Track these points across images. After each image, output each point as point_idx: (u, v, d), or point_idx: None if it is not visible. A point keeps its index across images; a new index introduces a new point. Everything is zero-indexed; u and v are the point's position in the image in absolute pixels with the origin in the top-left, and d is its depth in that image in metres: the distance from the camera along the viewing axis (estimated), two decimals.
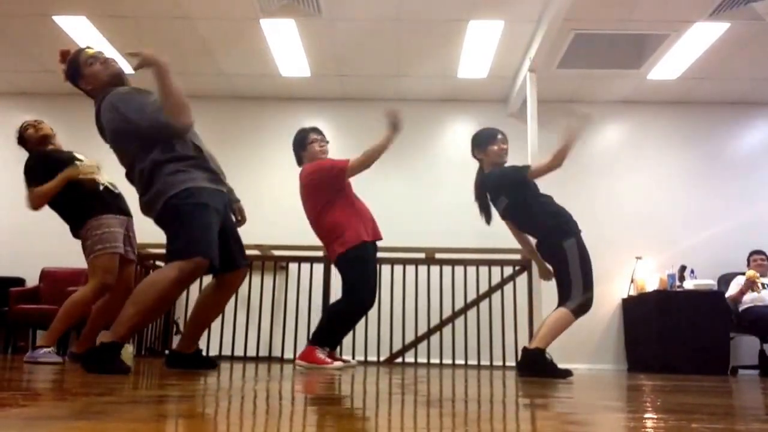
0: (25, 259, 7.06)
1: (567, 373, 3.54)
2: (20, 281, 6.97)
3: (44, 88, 7.51)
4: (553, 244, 3.80)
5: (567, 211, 3.88)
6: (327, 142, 4.39)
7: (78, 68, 3.10)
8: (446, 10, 5.71)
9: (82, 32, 6.18)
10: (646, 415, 1.41)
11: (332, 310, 4.18)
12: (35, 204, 3.94)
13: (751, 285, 5.97)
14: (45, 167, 4.00)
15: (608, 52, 6.46)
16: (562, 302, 3.72)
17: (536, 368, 3.54)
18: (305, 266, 5.70)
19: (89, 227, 3.81)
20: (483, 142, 4.05)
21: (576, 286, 3.72)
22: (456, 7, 5.67)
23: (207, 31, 6.14)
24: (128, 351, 3.98)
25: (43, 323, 6.52)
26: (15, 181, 7.50)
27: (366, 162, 4.14)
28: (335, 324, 4.09)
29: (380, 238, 4.23)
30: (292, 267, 5.86)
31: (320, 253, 5.58)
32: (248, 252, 5.91)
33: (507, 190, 3.94)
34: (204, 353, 3.47)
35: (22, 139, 4.20)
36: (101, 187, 3.93)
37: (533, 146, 6.24)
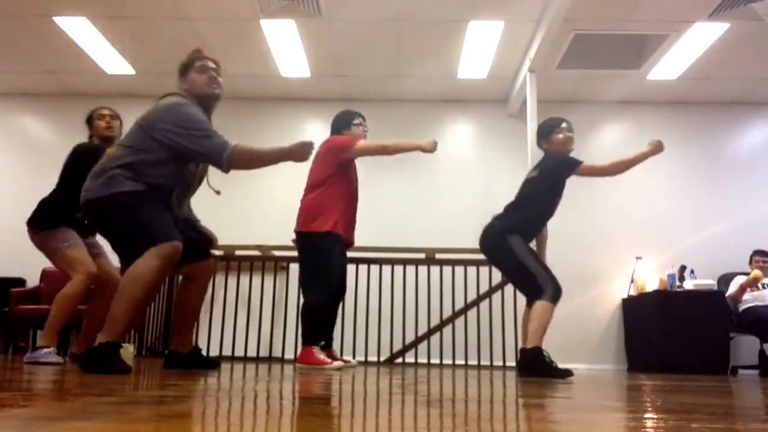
0: (26, 259, 7.02)
1: (567, 373, 3.54)
2: (21, 281, 6.98)
3: (45, 88, 7.52)
4: (497, 238, 3.80)
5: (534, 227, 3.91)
6: (367, 129, 4.51)
7: (190, 67, 3.17)
8: (446, 10, 5.71)
9: (82, 33, 6.18)
10: (646, 415, 1.41)
11: (303, 303, 4.19)
12: None
13: (753, 282, 5.97)
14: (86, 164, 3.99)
15: (608, 53, 6.46)
16: (534, 297, 3.70)
17: (536, 367, 3.55)
18: None
19: (46, 237, 3.88)
20: (547, 132, 3.99)
21: (542, 278, 3.70)
22: (456, 8, 5.67)
23: (207, 32, 6.14)
24: (129, 351, 3.97)
25: (43, 324, 6.51)
26: (15, 182, 7.52)
27: (377, 150, 4.20)
28: (311, 317, 4.10)
29: (351, 244, 4.31)
30: (293, 267, 5.86)
31: None
32: (248, 252, 5.98)
33: (546, 168, 3.91)
34: (204, 353, 3.47)
35: (89, 123, 4.13)
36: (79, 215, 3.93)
37: (533, 146, 6.23)
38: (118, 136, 4.15)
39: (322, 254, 4.10)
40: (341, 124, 4.45)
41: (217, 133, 2.93)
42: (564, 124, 3.96)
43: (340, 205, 4.16)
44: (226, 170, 2.92)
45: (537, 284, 3.69)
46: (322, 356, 3.97)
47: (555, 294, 3.68)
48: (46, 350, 3.66)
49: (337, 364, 4.00)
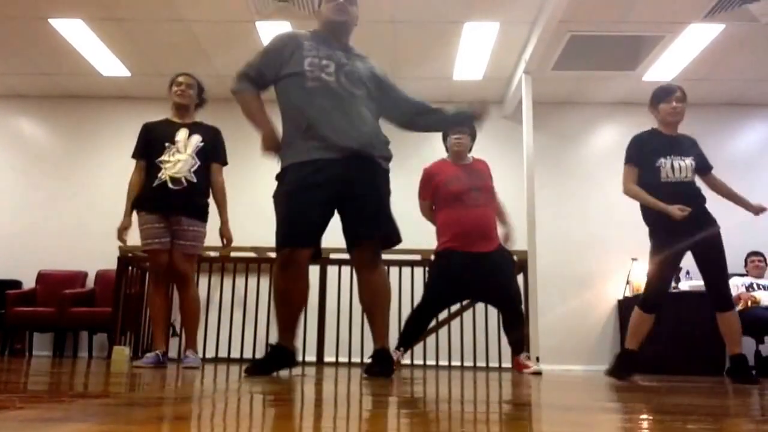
0: (22, 261, 7.04)
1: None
2: (17, 284, 6.96)
3: (40, 90, 7.50)
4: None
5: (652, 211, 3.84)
6: (465, 132, 4.45)
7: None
8: (442, 11, 5.72)
9: (78, 35, 6.18)
10: (642, 416, 1.42)
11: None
12: None
13: (749, 303, 5.99)
14: (142, 141, 4.09)
15: (604, 54, 6.47)
16: None
17: (744, 372, 3.80)
18: None
19: (138, 218, 3.98)
20: (655, 99, 3.93)
21: (646, 285, 3.91)
22: (451, 9, 5.68)
23: (202, 34, 6.13)
24: (124, 353, 3.97)
25: (39, 326, 6.51)
26: (11, 184, 7.51)
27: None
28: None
29: (474, 252, 4.17)
30: None
31: None
32: (245, 254, 5.96)
33: None
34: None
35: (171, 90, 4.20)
36: (156, 183, 3.93)
37: (528, 148, 6.24)
38: (192, 104, 4.18)
39: (433, 266, 4.43)
40: (443, 136, 4.59)
41: (250, 64, 3.14)
42: (678, 93, 3.86)
43: (447, 220, 4.29)
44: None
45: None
46: (529, 362, 4.19)
47: (643, 302, 3.82)
48: (148, 355, 3.89)
49: (535, 368, 4.15)
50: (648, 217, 3.87)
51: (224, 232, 4.05)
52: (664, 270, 3.78)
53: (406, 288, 5.66)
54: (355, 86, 3.01)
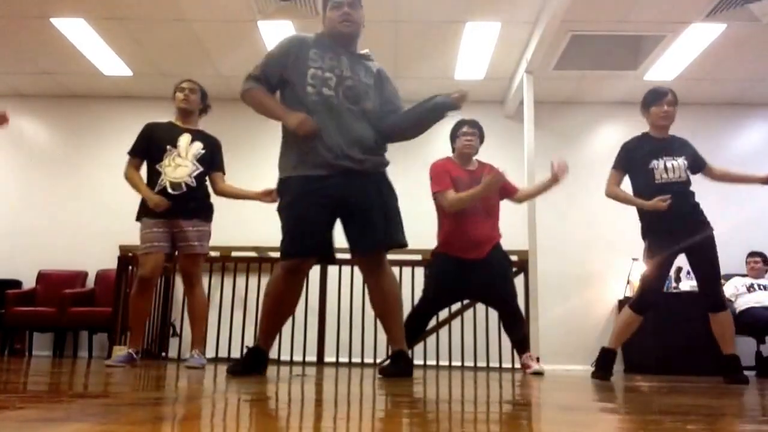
0: (22, 261, 7.04)
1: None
2: (17, 283, 6.96)
3: (41, 90, 7.50)
4: None
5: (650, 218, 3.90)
6: (475, 134, 4.26)
7: (326, 4, 3.13)
8: (443, 11, 5.71)
9: (79, 34, 6.17)
10: (642, 417, 1.42)
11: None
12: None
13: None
14: (144, 140, 4.06)
15: (605, 54, 6.47)
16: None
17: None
18: None
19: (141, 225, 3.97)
20: (646, 102, 3.94)
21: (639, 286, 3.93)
22: (453, 9, 5.67)
23: (204, 33, 6.13)
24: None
25: (39, 326, 6.51)
26: (12, 183, 7.51)
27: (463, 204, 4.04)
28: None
29: (470, 260, 4.08)
30: None
31: None
32: (245, 253, 5.96)
33: None
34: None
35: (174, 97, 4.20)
36: (156, 189, 3.90)
37: (530, 148, 6.24)
38: (195, 110, 4.15)
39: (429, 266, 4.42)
40: (451, 137, 4.39)
41: (256, 66, 3.07)
42: (669, 96, 3.86)
43: (450, 226, 4.14)
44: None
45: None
46: (531, 362, 4.14)
47: (638, 303, 3.79)
48: (119, 354, 3.86)
49: (537, 368, 4.09)
50: (644, 216, 3.91)
51: (260, 191, 3.92)
52: (661, 271, 3.79)
53: (407, 288, 5.65)
54: (355, 101, 3.01)
